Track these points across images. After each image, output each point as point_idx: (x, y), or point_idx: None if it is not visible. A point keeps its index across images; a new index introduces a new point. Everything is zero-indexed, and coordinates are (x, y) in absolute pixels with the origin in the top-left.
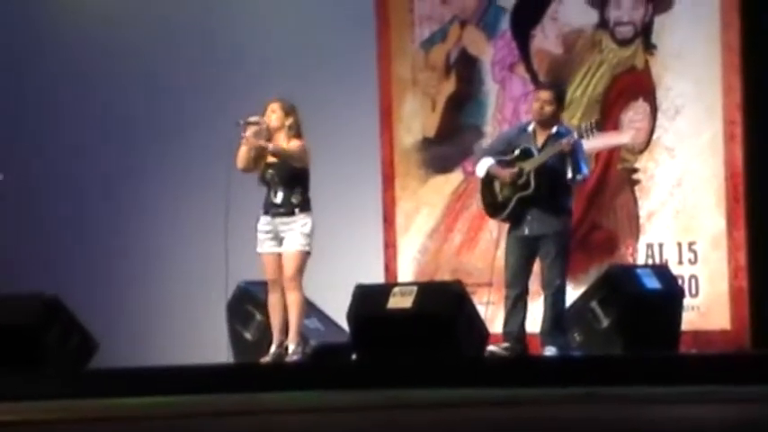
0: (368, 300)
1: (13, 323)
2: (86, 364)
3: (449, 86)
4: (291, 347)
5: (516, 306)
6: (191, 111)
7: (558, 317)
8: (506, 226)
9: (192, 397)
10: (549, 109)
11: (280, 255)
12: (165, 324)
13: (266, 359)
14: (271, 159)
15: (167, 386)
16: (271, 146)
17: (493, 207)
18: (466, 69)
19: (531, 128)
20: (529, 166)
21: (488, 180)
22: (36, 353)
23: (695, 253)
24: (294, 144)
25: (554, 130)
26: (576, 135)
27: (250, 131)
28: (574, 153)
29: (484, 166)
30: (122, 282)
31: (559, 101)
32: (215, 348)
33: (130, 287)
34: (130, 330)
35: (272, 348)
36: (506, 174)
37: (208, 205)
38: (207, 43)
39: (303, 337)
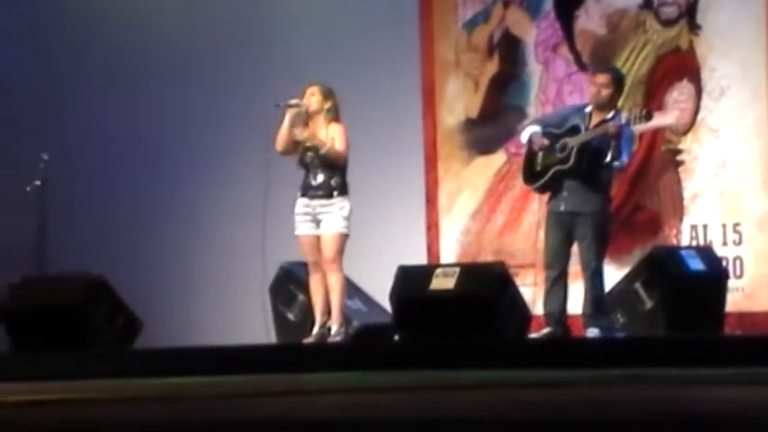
0: (410, 281)
1: (60, 303)
2: (132, 343)
3: (492, 67)
4: (334, 328)
5: (556, 287)
6: (231, 93)
7: (598, 298)
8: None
9: (235, 377)
10: (606, 92)
11: (318, 237)
12: (207, 305)
13: (309, 340)
14: (309, 143)
15: (211, 366)
16: (306, 136)
17: (530, 174)
18: (509, 50)
19: (588, 109)
20: (574, 141)
21: (531, 148)
22: (82, 332)
23: (740, 234)
24: (334, 131)
25: (609, 114)
26: (623, 120)
27: (290, 114)
28: (618, 138)
29: (528, 132)
30: (167, 263)
31: (618, 84)
32: (256, 329)
33: (174, 269)
34: (174, 311)
35: (315, 329)
36: (542, 142)
37: (248, 187)
38: (248, 25)
39: (346, 318)
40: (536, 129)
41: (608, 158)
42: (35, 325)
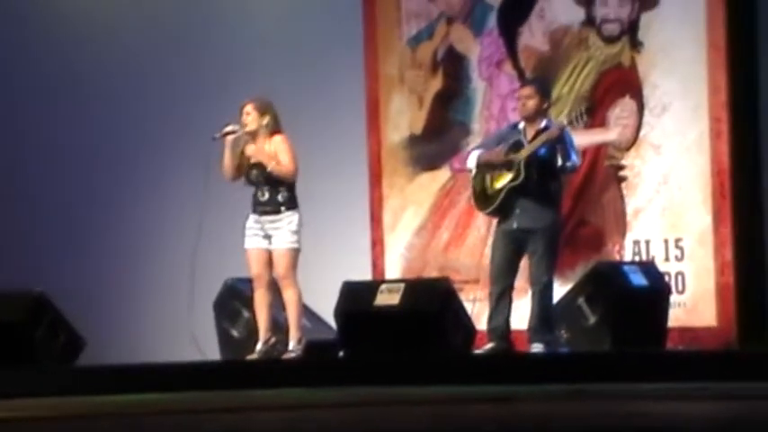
0: (355, 297)
1: (1, 320)
2: (74, 361)
3: (436, 84)
4: (292, 344)
5: (501, 302)
6: (170, 110)
7: (545, 313)
8: (494, 223)
9: (178, 394)
10: (531, 103)
11: (267, 251)
12: (150, 322)
13: (253, 356)
14: (254, 160)
15: (154, 383)
16: (252, 153)
17: (483, 199)
18: (453, 66)
19: (521, 125)
20: (520, 156)
21: (480, 175)
22: (24, 350)
23: (682, 249)
24: (276, 145)
25: (542, 124)
26: (564, 123)
27: (229, 141)
28: (562, 141)
29: (474, 156)
30: (109, 280)
31: (542, 94)
32: (201, 345)
33: (117, 286)
34: (117, 328)
35: (259, 345)
36: (496, 153)
37: (188, 204)
38: (189, 40)
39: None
40: (479, 152)
41: (560, 162)
42: None
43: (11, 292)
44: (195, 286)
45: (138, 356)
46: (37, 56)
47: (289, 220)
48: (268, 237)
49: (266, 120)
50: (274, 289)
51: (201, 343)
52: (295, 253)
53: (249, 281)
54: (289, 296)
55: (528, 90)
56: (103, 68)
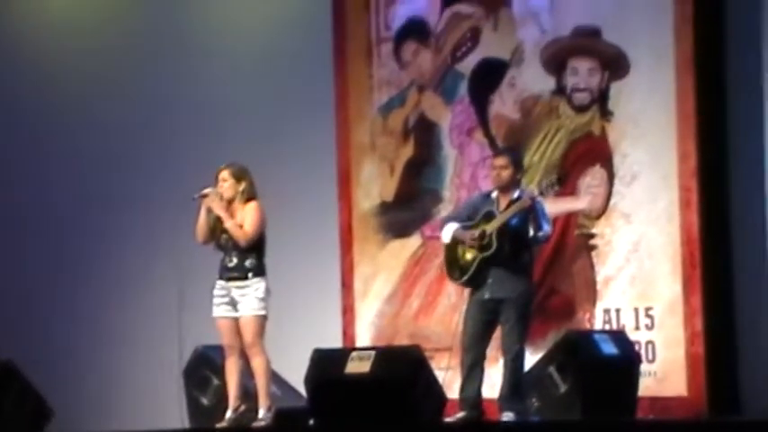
0: (325, 364)
1: None
2: (42, 431)
3: (407, 151)
4: (261, 413)
5: (473, 371)
6: (146, 176)
7: (516, 382)
8: (465, 291)
9: None
10: (505, 174)
11: (235, 319)
12: (120, 391)
13: (222, 425)
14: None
15: None
16: (216, 206)
17: (455, 271)
18: (424, 134)
19: (494, 194)
20: (491, 227)
21: (452, 245)
22: None
23: (652, 318)
24: (247, 211)
25: (515, 194)
26: (536, 193)
27: (205, 204)
28: (534, 211)
29: (449, 231)
30: (78, 349)
31: (515, 164)
32: (172, 414)
33: (86, 354)
34: (86, 397)
35: (228, 413)
36: (468, 236)
37: (162, 271)
38: (162, 104)
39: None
40: (455, 226)
41: (531, 232)
42: None
43: None
44: (182, 346)
45: (108, 425)
46: (26, 109)
47: (256, 287)
48: (234, 304)
49: (242, 186)
50: (245, 357)
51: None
52: (262, 320)
53: (220, 348)
54: (257, 364)
55: (502, 160)
56: (78, 130)
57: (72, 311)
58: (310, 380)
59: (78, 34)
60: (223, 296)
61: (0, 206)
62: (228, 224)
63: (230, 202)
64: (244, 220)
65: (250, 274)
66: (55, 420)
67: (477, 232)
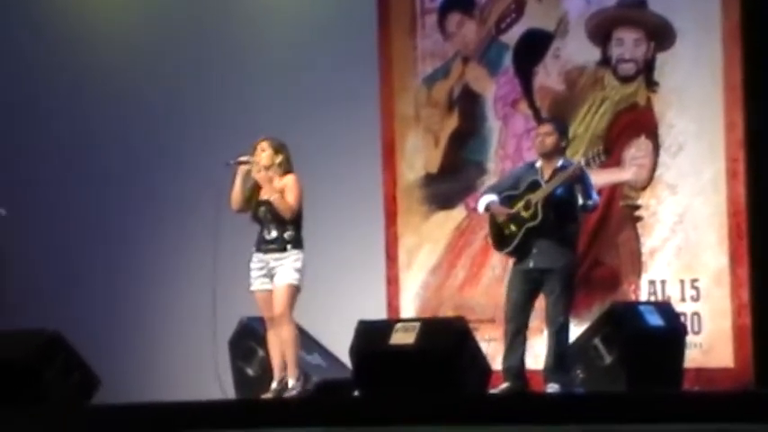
0: (370, 336)
1: (15, 358)
2: (88, 399)
3: (451, 123)
4: (291, 382)
5: (515, 341)
6: (183, 148)
7: (561, 354)
8: (509, 262)
9: None
10: (549, 141)
11: (271, 291)
12: (166, 360)
13: (267, 395)
14: (263, 197)
15: (169, 423)
16: (260, 177)
17: (500, 240)
18: (469, 106)
19: (538, 164)
20: (537, 196)
21: (493, 215)
22: (37, 389)
23: (698, 290)
24: (285, 181)
25: (559, 163)
26: (583, 162)
27: (241, 171)
28: (582, 180)
29: (484, 202)
30: (124, 319)
31: (560, 132)
32: (212, 385)
33: (132, 325)
34: (132, 367)
35: (273, 384)
36: (504, 212)
37: (200, 243)
38: (205, 78)
39: (305, 373)
40: (492, 197)
41: (580, 202)
42: None
43: (25, 332)
44: (217, 323)
45: (153, 395)
46: (40, 102)
47: (294, 257)
48: (271, 276)
49: (279, 158)
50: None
51: (222, 381)
52: (294, 290)
53: (263, 319)
54: (285, 333)
55: (546, 127)
56: (113, 109)
57: (115, 285)
58: (355, 351)
59: (128, 30)
60: (261, 269)
61: (47, 184)
62: (274, 197)
63: (267, 170)
64: (285, 193)
65: (288, 246)
66: (102, 390)
67: (512, 211)
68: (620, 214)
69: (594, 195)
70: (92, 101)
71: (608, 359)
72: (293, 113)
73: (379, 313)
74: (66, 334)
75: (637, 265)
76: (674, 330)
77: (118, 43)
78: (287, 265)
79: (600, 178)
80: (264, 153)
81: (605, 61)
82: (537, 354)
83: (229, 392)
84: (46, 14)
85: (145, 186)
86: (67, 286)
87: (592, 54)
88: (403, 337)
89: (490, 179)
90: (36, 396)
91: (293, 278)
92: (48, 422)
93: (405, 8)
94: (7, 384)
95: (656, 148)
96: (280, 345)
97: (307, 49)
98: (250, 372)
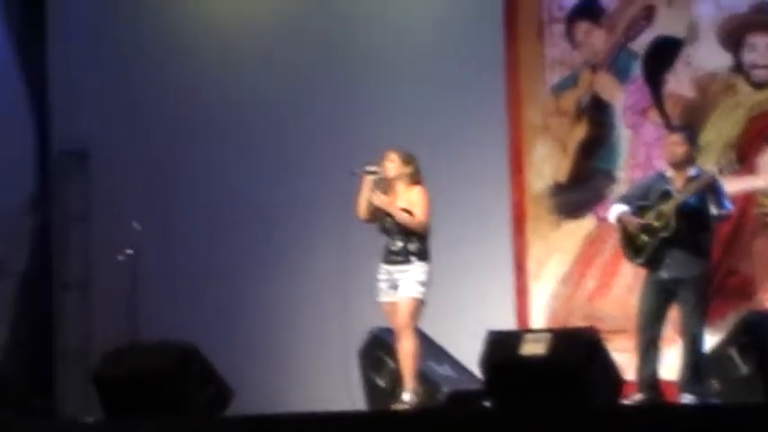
0: (500, 346)
1: (148, 371)
2: (223, 411)
3: (580, 131)
4: (406, 396)
5: (649, 352)
6: (314, 159)
7: (696, 364)
8: (640, 272)
9: None
10: (680, 150)
11: (397, 303)
12: (296, 372)
13: (398, 406)
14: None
15: None
16: (380, 202)
17: (632, 250)
18: (597, 114)
19: (668, 174)
20: (669, 206)
21: (624, 226)
22: (175, 399)
23: None
24: (415, 196)
25: (691, 172)
26: (715, 170)
27: (368, 181)
28: (714, 189)
29: (615, 212)
30: (255, 331)
31: (690, 142)
32: (340, 395)
33: (262, 337)
34: (264, 379)
35: (404, 395)
36: (635, 222)
37: (329, 254)
38: (331, 90)
39: (433, 383)
40: (623, 208)
41: (714, 212)
42: (127, 393)
43: (160, 343)
44: (348, 334)
45: (284, 407)
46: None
47: (417, 270)
48: (395, 287)
49: (408, 169)
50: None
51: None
52: (418, 303)
53: (392, 330)
54: (405, 346)
55: (677, 137)
56: (245, 119)
57: (244, 297)
58: (486, 362)
59: (254, 37)
60: (386, 280)
61: (176, 201)
62: (400, 217)
63: (393, 183)
64: (413, 205)
65: (413, 258)
66: (235, 402)
67: (643, 222)
68: (755, 222)
69: (728, 204)
70: (223, 110)
71: (744, 369)
72: (420, 122)
73: (508, 323)
74: (199, 346)
75: None
76: None
77: (249, 55)
78: (410, 278)
79: (733, 186)
80: (392, 164)
81: (737, 67)
82: (671, 364)
83: (359, 404)
84: (178, 30)
85: (276, 199)
86: (199, 299)
87: (724, 60)
88: (534, 347)
89: (620, 188)
90: (175, 406)
91: (417, 291)
92: (186, 430)
93: (532, 17)
94: (147, 395)
95: None
96: None
97: (433, 57)
98: (381, 383)
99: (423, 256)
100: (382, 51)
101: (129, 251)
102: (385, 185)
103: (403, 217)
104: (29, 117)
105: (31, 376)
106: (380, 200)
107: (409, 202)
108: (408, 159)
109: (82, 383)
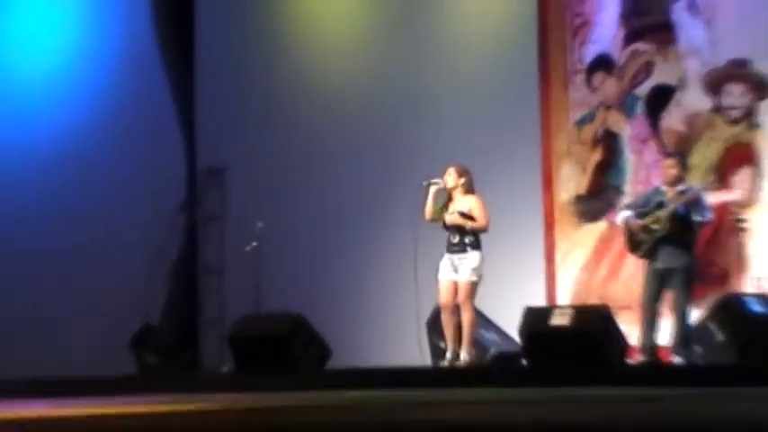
0: (534, 318)
1: (268, 334)
2: (323, 366)
3: (596, 156)
4: (463, 356)
5: (649, 325)
6: (388, 172)
7: (684, 334)
8: (641, 263)
9: (400, 391)
10: (673, 171)
11: (454, 282)
12: (378, 335)
13: (443, 363)
14: (451, 209)
15: (384, 382)
16: (452, 220)
17: (634, 245)
18: (609, 143)
19: (663, 188)
20: (664, 213)
21: (628, 227)
22: (285, 358)
23: None
24: (472, 203)
25: (681, 187)
26: (698, 188)
27: (432, 190)
28: (699, 201)
29: (622, 217)
30: (349, 307)
31: (681, 165)
32: (413, 354)
33: (355, 311)
34: (355, 342)
35: (447, 355)
36: (637, 224)
37: (406, 246)
38: (405, 121)
39: (482, 347)
40: (628, 213)
41: (698, 218)
42: (252, 351)
43: (275, 313)
44: (419, 308)
45: (371, 362)
46: (290, 135)
47: (472, 257)
48: (456, 269)
49: (463, 180)
50: (457, 313)
51: (422, 352)
52: (473, 285)
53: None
54: (466, 318)
55: (671, 161)
56: (346, 130)
57: (342, 281)
58: (523, 330)
59: (343, 47)
60: (448, 265)
61: (291, 204)
62: (469, 226)
63: (452, 192)
64: (471, 211)
65: (469, 248)
66: (333, 357)
67: (642, 223)
68: (729, 226)
69: (708, 214)
70: (327, 121)
71: (720, 338)
72: (474, 149)
73: (540, 301)
74: (306, 316)
75: (742, 265)
76: None
77: (347, 73)
78: (468, 264)
79: (713, 198)
80: (450, 177)
81: (717, 108)
82: (665, 334)
83: (427, 361)
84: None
85: (366, 204)
86: (307, 279)
87: (706, 103)
88: (560, 319)
89: (626, 199)
90: (286, 364)
91: (474, 275)
92: (296, 382)
93: (560, 68)
94: (263, 354)
95: (757, 176)
96: (452, 325)
97: (485, 100)
98: (442, 345)
99: (476, 245)
100: (447, 87)
101: (254, 244)
102: (445, 194)
103: (471, 225)
104: (181, 140)
105: (181, 337)
106: (452, 218)
107: (470, 209)
108: (463, 172)
109: (219, 343)
